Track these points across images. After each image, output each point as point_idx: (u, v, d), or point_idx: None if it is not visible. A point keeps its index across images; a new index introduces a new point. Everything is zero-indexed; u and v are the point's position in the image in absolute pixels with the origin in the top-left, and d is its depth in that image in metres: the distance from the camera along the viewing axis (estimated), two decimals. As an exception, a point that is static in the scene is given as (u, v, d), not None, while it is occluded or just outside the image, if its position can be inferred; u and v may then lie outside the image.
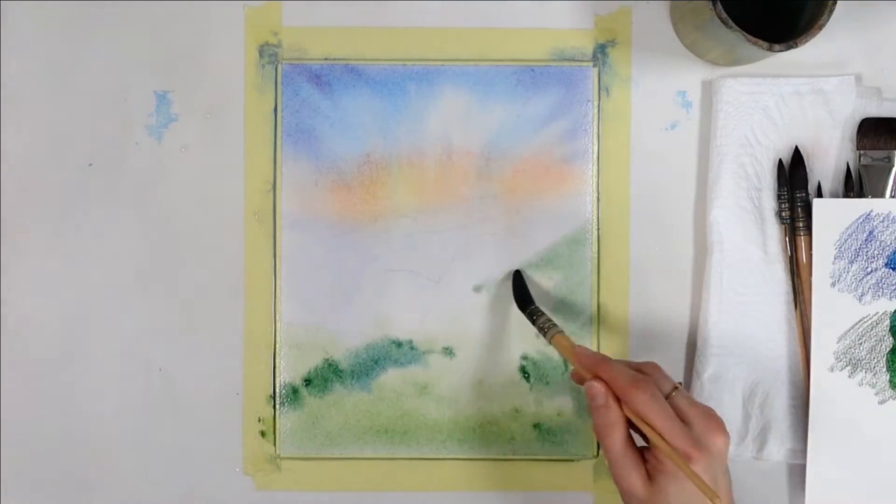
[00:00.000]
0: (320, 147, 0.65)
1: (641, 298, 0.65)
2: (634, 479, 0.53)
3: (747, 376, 0.65)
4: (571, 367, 0.57)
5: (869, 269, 0.64)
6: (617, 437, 0.53)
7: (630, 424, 0.54)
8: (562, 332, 0.59)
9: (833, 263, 0.64)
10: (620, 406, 0.53)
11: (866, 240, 0.64)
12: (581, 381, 0.56)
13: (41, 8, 0.65)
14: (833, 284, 0.64)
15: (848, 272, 0.64)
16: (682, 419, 0.53)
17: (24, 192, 0.65)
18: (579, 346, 0.57)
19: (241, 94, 0.65)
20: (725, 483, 0.54)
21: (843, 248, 0.64)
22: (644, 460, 0.54)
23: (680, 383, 0.56)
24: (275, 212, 0.65)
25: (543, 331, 0.60)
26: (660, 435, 0.52)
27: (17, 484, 0.65)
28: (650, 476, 0.53)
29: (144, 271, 0.65)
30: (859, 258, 0.64)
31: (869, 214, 0.64)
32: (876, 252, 0.64)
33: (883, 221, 0.64)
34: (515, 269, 0.64)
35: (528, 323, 0.63)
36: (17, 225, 0.65)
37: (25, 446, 0.65)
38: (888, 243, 0.64)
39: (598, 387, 0.54)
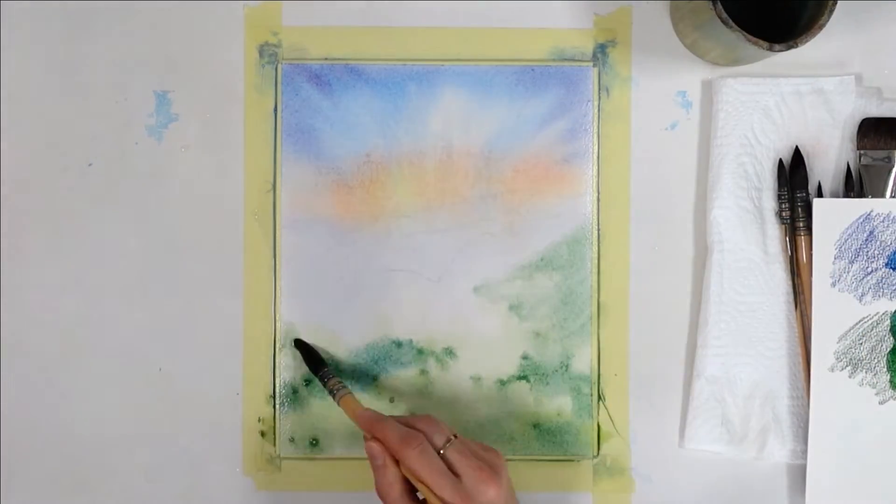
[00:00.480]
0: (320, 147, 0.65)
1: (641, 298, 0.65)
2: None
3: (747, 376, 0.65)
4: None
5: (869, 270, 0.64)
6: (395, 495, 0.55)
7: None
8: (350, 393, 0.61)
9: (833, 263, 0.64)
10: (398, 464, 0.55)
11: (866, 240, 0.64)
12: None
13: (41, 8, 0.65)
14: (833, 284, 0.64)
15: (848, 272, 0.64)
16: (454, 472, 0.54)
17: (24, 193, 0.65)
18: (364, 409, 0.59)
19: (241, 94, 0.65)
20: None
21: (843, 249, 0.64)
22: None
23: (455, 435, 0.56)
24: (275, 212, 0.65)
25: (332, 393, 0.61)
26: (430, 490, 0.54)
27: (17, 484, 0.65)
28: None
29: (144, 271, 0.65)
30: (860, 258, 0.64)
31: (869, 214, 0.64)
32: (876, 252, 0.64)
33: (883, 221, 0.64)
34: (294, 338, 0.65)
35: (529, 323, 0.63)
36: (17, 225, 0.65)
37: (25, 446, 0.65)
38: (889, 243, 0.64)
39: (375, 447, 0.56)
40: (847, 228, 0.64)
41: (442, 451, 0.55)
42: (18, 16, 0.65)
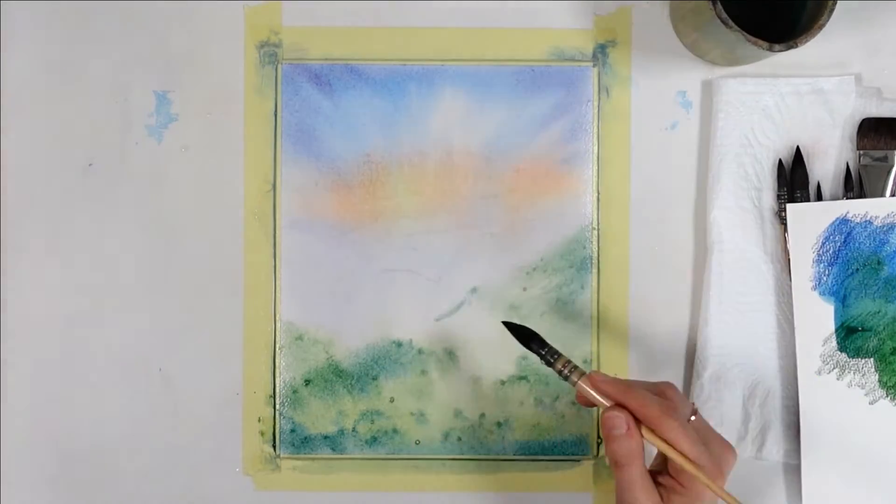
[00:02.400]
0: (320, 147, 0.65)
1: (641, 298, 0.65)
2: (655, 500, 0.53)
3: (747, 376, 0.65)
4: (578, 390, 0.55)
5: (850, 271, 0.64)
6: (636, 466, 0.53)
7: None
8: (585, 374, 0.55)
9: (812, 267, 0.64)
10: (641, 434, 0.54)
11: (845, 242, 0.64)
12: (588, 403, 0.55)
13: (41, 8, 0.65)
14: (814, 288, 0.64)
15: (828, 275, 0.64)
16: (704, 442, 0.54)
17: (24, 192, 0.65)
18: (595, 372, 0.56)
19: (241, 94, 0.65)
20: None
21: (821, 252, 0.64)
22: (657, 484, 0.54)
23: (694, 404, 0.56)
24: (275, 212, 0.65)
25: (564, 376, 0.56)
26: (690, 460, 0.52)
27: (17, 484, 0.65)
28: (663, 496, 0.54)
29: (144, 271, 0.65)
30: (839, 260, 0.64)
31: (845, 217, 0.64)
32: (856, 253, 0.64)
33: (861, 222, 0.64)
34: (502, 321, 0.59)
35: (529, 323, 0.63)
36: (17, 225, 0.65)
37: (25, 446, 0.65)
38: (868, 244, 0.64)
39: (620, 416, 0.53)
40: (823, 232, 0.64)
41: (690, 420, 0.54)
42: (18, 16, 0.65)
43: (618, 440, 0.53)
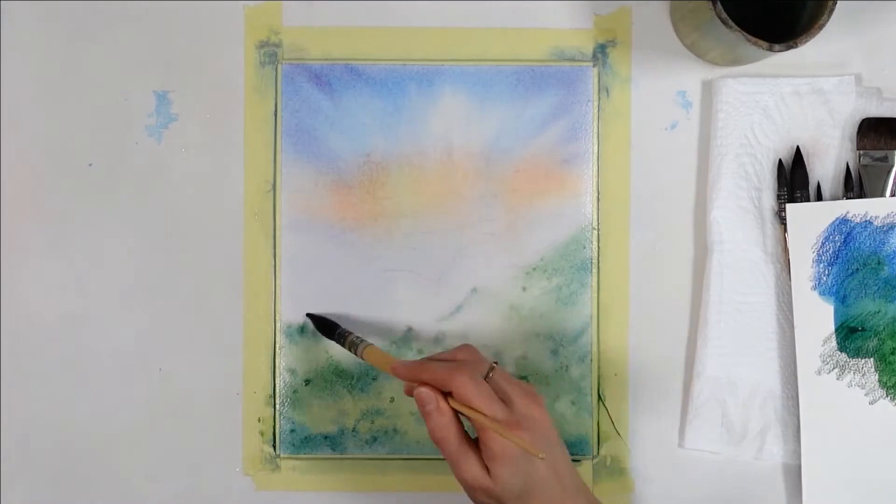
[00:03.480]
0: (320, 147, 0.65)
1: (641, 298, 0.65)
2: (475, 471, 0.54)
3: (747, 376, 0.65)
4: (403, 386, 0.57)
5: (850, 271, 0.64)
6: (452, 435, 0.54)
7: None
8: (371, 344, 0.60)
9: (812, 267, 0.64)
10: (449, 406, 0.54)
11: (845, 241, 0.64)
12: (411, 392, 0.56)
13: (41, 8, 0.65)
14: (814, 288, 0.64)
15: (828, 275, 0.64)
16: (502, 398, 0.54)
17: (24, 192, 0.65)
18: (395, 360, 0.58)
19: (241, 94, 0.65)
20: (559, 453, 0.56)
21: (821, 252, 0.64)
22: (479, 451, 0.55)
23: (496, 362, 0.57)
24: (275, 212, 0.65)
25: (353, 349, 0.61)
26: (483, 414, 0.53)
27: (17, 484, 0.65)
28: (486, 467, 0.54)
29: (144, 271, 0.65)
30: (839, 260, 0.64)
31: (845, 217, 0.64)
32: (856, 253, 0.64)
33: (861, 222, 0.64)
34: (306, 313, 0.65)
35: (529, 323, 0.63)
36: (18, 225, 0.65)
37: (25, 446, 0.65)
38: (867, 244, 0.64)
39: (426, 391, 0.55)
40: (823, 232, 0.64)
41: (487, 378, 0.55)
42: (18, 16, 0.65)
43: (430, 416, 0.54)
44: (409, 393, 0.56)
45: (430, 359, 0.57)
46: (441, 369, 0.55)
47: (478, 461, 0.54)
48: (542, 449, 0.53)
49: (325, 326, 0.63)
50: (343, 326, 0.63)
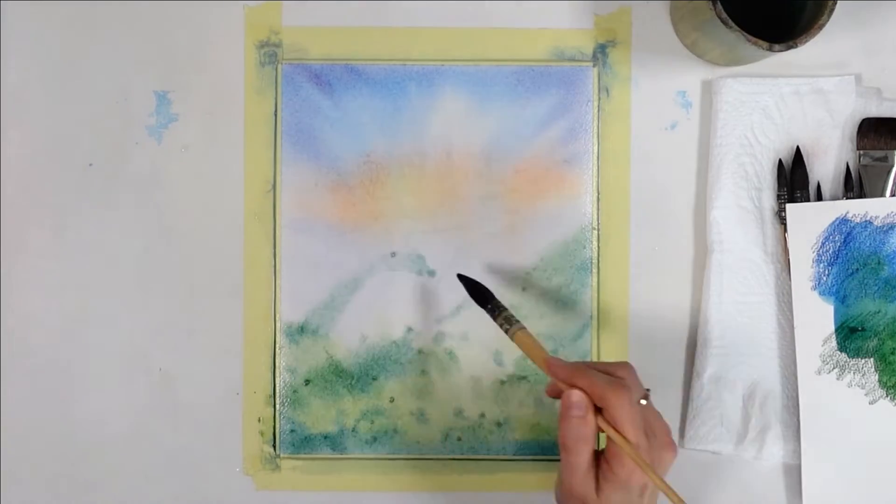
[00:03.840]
0: (320, 147, 0.65)
1: (641, 298, 0.65)
2: (589, 486, 0.53)
3: (747, 376, 0.65)
4: (549, 382, 0.56)
5: (850, 271, 0.64)
6: (586, 450, 0.53)
7: None
8: (524, 328, 0.57)
9: (812, 267, 0.64)
10: (596, 419, 0.53)
11: (845, 241, 0.64)
12: (557, 394, 0.55)
13: (41, 8, 0.65)
14: (813, 288, 0.64)
15: (828, 275, 0.64)
16: (646, 431, 0.53)
17: (24, 192, 0.65)
18: (552, 357, 0.55)
19: (241, 94, 0.65)
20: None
21: (821, 252, 0.64)
22: (598, 466, 0.53)
23: (648, 390, 0.55)
24: (275, 212, 0.65)
25: (504, 328, 0.58)
26: (629, 443, 0.51)
27: (17, 484, 0.65)
28: (598, 482, 0.53)
29: (144, 271, 0.65)
30: (839, 260, 0.64)
31: (845, 217, 0.64)
32: (856, 253, 0.64)
33: (861, 222, 0.64)
34: (458, 274, 0.62)
35: (529, 323, 0.62)
36: (18, 225, 0.65)
37: (25, 446, 0.65)
38: (867, 244, 0.64)
39: (580, 397, 0.52)
40: (823, 232, 0.64)
41: (640, 402, 0.53)
42: (18, 16, 0.65)
43: (572, 422, 0.52)
44: (553, 394, 0.55)
45: (588, 366, 0.55)
46: (601, 382, 0.52)
47: (595, 477, 0.53)
48: (652, 493, 0.52)
49: (478, 293, 0.60)
50: (496, 300, 0.59)
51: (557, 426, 0.53)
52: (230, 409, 0.65)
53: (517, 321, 0.58)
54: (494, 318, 0.59)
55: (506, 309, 0.59)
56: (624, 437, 0.51)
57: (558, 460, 0.65)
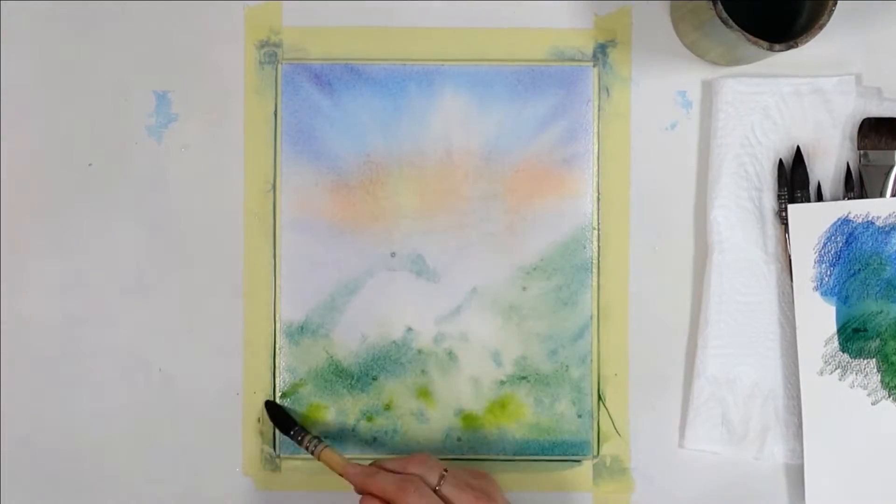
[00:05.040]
0: (320, 147, 0.65)
1: (641, 298, 0.65)
2: None
3: (747, 376, 0.65)
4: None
5: (852, 272, 0.64)
6: None
7: None
8: (328, 446, 0.61)
9: (814, 268, 0.64)
10: None
11: (847, 242, 0.64)
12: (361, 492, 0.58)
13: (41, 8, 0.65)
14: (815, 289, 0.64)
15: (830, 275, 0.64)
16: None
17: (24, 192, 0.65)
18: (350, 463, 0.59)
19: (241, 94, 0.65)
20: None
21: (822, 253, 0.64)
22: None
23: (446, 469, 0.57)
24: (275, 212, 0.65)
25: (310, 450, 0.61)
26: None
27: (17, 484, 0.65)
28: None
29: (144, 271, 0.65)
30: (841, 261, 0.64)
31: (847, 217, 0.64)
32: (858, 254, 0.64)
33: (863, 223, 0.64)
34: (266, 400, 0.65)
35: (529, 323, 0.62)
36: (18, 225, 0.65)
37: (25, 446, 0.65)
38: (869, 244, 0.64)
39: (372, 501, 0.56)
40: (825, 233, 0.64)
41: (437, 489, 0.56)
42: (18, 16, 0.65)
43: None
44: (360, 492, 0.58)
45: (382, 466, 0.58)
46: (390, 484, 0.55)
47: None
48: None
49: (281, 420, 0.63)
50: (298, 425, 0.63)
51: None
52: (230, 409, 0.65)
53: (320, 441, 0.61)
54: (299, 443, 0.62)
55: (308, 432, 0.62)
56: None
57: (558, 460, 0.65)
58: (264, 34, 0.65)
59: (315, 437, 0.61)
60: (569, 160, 0.65)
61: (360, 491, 0.57)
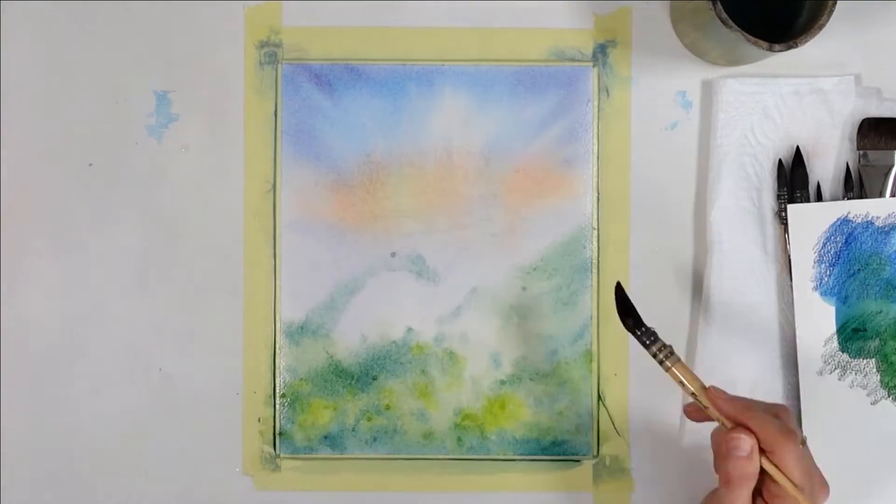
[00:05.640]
0: (320, 147, 0.65)
1: (641, 298, 0.65)
2: None
3: (747, 376, 0.65)
4: (689, 403, 0.57)
5: (851, 272, 0.64)
6: (747, 489, 0.54)
7: None
8: (680, 360, 0.56)
9: (813, 268, 0.64)
10: (759, 459, 0.54)
11: (846, 242, 0.64)
12: (699, 418, 0.56)
13: (41, 8, 0.65)
14: (815, 289, 0.64)
15: (829, 276, 0.64)
16: (807, 472, 0.54)
17: (24, 192, 0.65)
18: (713, 387, 0.56)
19: (241, 94, 0.65)
20: None
21: (822, 253, 0.64)
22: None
23: (802, 431, 0.57)
24: (275, 212, 0.65)
25: (658, 358, 0.56)
26: (791, 485, 0.53)
27: (17, 484, 0.65)
28: None
29: (144, 271, 0.65)
30: (840, 261, 0.64)
31: (846, 217, 0.64)
32: (857, 254, 0.64)
33: (862, 223, 0.64)
34: (616, 281, 0.59)
35: (529, 323, 0.63)
36: (18, 225, 0.65)
37: (25, 446, 0.65)
38: (869, 244, 0.64)
39: (747, 440, 0.54)
40: (824, 233, 0.64)
41: (801, 448, 0.55)
42: (18, 16, 0.65)
43: (737, 461, 0.54)
44: (695, 417, 0.57)
45: (750, 405, 0.55)
46: (772, 428, 0.53)
47: None
48: None
49: (629, 315, 0.57)
50: (648, 328, 0.57)
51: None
52: (230, 409, 0.65)
53: (672, 353, 0.56)
54: (646, 347, 0.57)
55: (659, 339, 0.56)
56: (792, 482, 0.53)
57: (558, 460, 0.65)
58: (264, 34, 0.65)
59: (666, 347, 0.56)
60: (569, 160, 0.65)
61: (729, 420, 0.55)
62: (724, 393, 0.56)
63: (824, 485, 0.56)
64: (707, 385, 0.56)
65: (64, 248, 0.65)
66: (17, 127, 0.65)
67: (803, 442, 0.55)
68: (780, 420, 0.55)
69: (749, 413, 0.54)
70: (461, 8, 0.65)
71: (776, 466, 0.53)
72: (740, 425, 0.54)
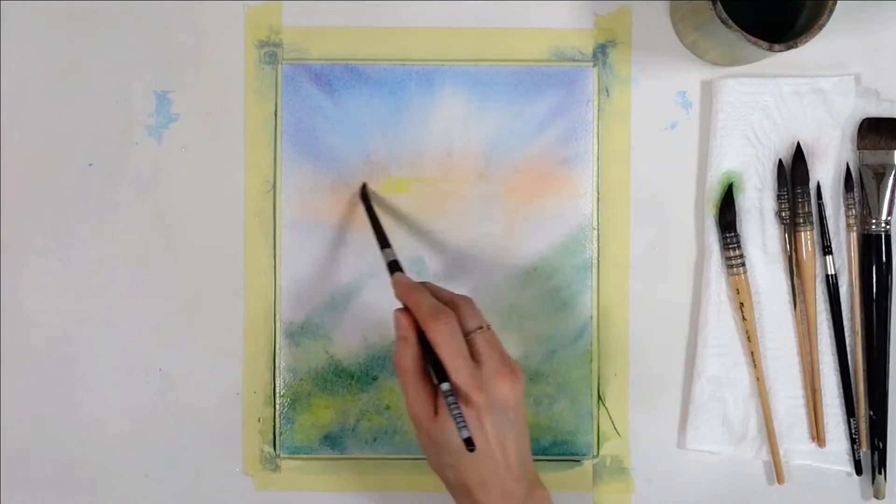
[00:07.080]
0: (320, 147, 0.65)
1: (641, 298, 0.65)
2: (424, 407, 0.53)
3: (747, 376, 0.65)
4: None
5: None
6: (410, 366, 0.53)
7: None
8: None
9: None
10: (417, 340, 0.53)
11: None
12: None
13: (41, 8, 0.65)
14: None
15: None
16: (476, 359, 0.53)
17: (24, 192, 0.65)
18: (401, 274, 0.56)
19: (241, 94, 0.65)
20: (512, 436, 0.54)
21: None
22: (436, 393, 0.53)
23: (489, 326, 0.55)
24: (275, 212, 0.65)
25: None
26: (447, 370, 0.52)
27: (17, 484, 0.65)
28: (437, 409, 0.53)
29: (144, 271, 0.65)
30: None
31: None
32: None
33: None
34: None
35: (529, 323, 0.62)
36: (18, 225, 0.65)
37: (25, 446, 0.65)
38: None
39: (403, 319, 0.53)
40: None
41: (470, 335, 0.54)
42: (18, 16, 0.65)
43: (399, 341, 0.53)
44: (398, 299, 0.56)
45: (431, 290, 0.55)
46: (426, 306, 0.53)
47: (429, 399, 0.53)
48: (492, 424, 0.52)
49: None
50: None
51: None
52: (230, 409, 0.65)
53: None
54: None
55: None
56: (442, 363, 0.52)
57: (558, 460, 0.65)
58: (264, 34, 0.65)
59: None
60: (569, 160, 0.65)
61: (398, 298, 0.55)
62: (408, 279, 0.56)
63: (506, 373, 0.53)
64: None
65: (64, 249, 0.65)
66: (17, 127, 0.65)
67: (480, 328, 0.54)
68: (451, 306, 0.54)
69: (411, 293, 0.54)
70: (461, 8, 0.65)
71: (432, 345, 0.52)
72: (404, 307, 0.54)
